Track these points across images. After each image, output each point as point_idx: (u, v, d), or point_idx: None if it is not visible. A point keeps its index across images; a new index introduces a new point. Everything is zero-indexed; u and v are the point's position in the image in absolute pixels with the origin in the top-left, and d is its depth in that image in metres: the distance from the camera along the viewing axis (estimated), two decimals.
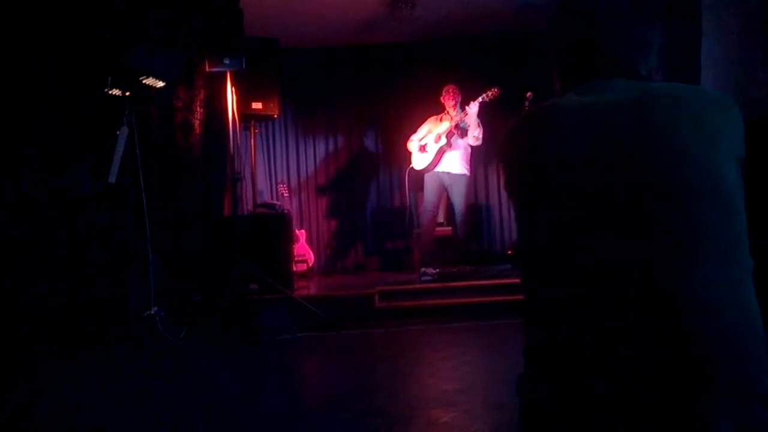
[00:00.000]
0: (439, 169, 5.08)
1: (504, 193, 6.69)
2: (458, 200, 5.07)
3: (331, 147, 6.95)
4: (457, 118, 4.97)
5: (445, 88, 5.15)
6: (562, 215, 1.00)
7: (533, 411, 1.06)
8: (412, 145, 5.25)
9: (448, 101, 5.11)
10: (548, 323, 1.03)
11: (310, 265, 6.15)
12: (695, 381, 0.90)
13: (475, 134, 4.94)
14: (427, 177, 5.14)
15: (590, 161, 0.98)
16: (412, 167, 5.21)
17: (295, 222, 6.07)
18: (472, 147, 5.13)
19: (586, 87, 1.07)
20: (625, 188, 0.96)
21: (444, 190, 5.16)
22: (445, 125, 5.07)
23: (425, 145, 5.13)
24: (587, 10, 1.11)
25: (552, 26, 1.17)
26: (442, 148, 5.02)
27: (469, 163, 5.14)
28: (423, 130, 5.25)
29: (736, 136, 1.00)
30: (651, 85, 1.04)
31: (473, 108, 4.85)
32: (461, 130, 4.99)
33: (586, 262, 0.97)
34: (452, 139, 5.01)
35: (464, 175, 5.10)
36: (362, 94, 6.83)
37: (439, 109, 5.26)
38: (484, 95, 4.85)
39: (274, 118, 5.60)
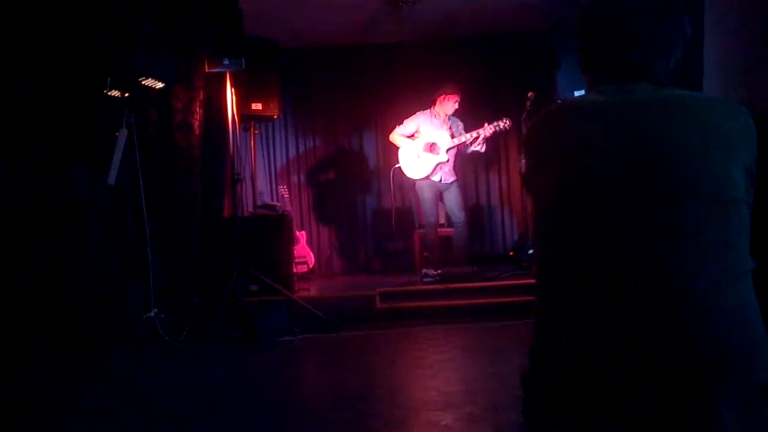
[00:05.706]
0: (433, 178, 5.05)
1: (505, 195, 6.70)
2: (459, 203, 5.11)
3: (331, 148, 6.92)
4: (466, 138, 4.96)
5: (447, 87, 5.08)
6: (578, 211, 1.04)
7: (538, 410, 1.08)
8: (399, 139, 5.16)
9: (447, 101, 5.06)
10: (557, 322, 1.05)
11: (311, 266, 6.12)
12: (699, 380, 0.92)
13: (479, 149, 5.02)
14: (422, 184, 5.09)
15: (605, 159, 1.03)
16: (399, 167, 5.16)
17: (295, 223, 6.05)
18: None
19: (608, 88, 1.12)
20: (636, 188, 1.00)
21: (440, 194, 5.16)
22: (444, 138, 4.99)
23: (422, 151, 5.08)
24: (616, 18, 1.14)
25: (580, 28, 1.20)
26: (440, 164, 5.02)
27: (456, 168, 5.21)
28: (410, 125, 5.14)
29: (748, 143, 1.05)
30: (670, 91, 1.09)
31: (486, 132, 4.91)
32: (465, 147, 5.03)
33: (595, 258, 1.01)
34: (450, 153, 5.05)
35: (456, 180, 5.17)
36: (363, 94, 6.80)
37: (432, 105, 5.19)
38: (495, 125, 4.89)
39: (274, 119, 5.58)
